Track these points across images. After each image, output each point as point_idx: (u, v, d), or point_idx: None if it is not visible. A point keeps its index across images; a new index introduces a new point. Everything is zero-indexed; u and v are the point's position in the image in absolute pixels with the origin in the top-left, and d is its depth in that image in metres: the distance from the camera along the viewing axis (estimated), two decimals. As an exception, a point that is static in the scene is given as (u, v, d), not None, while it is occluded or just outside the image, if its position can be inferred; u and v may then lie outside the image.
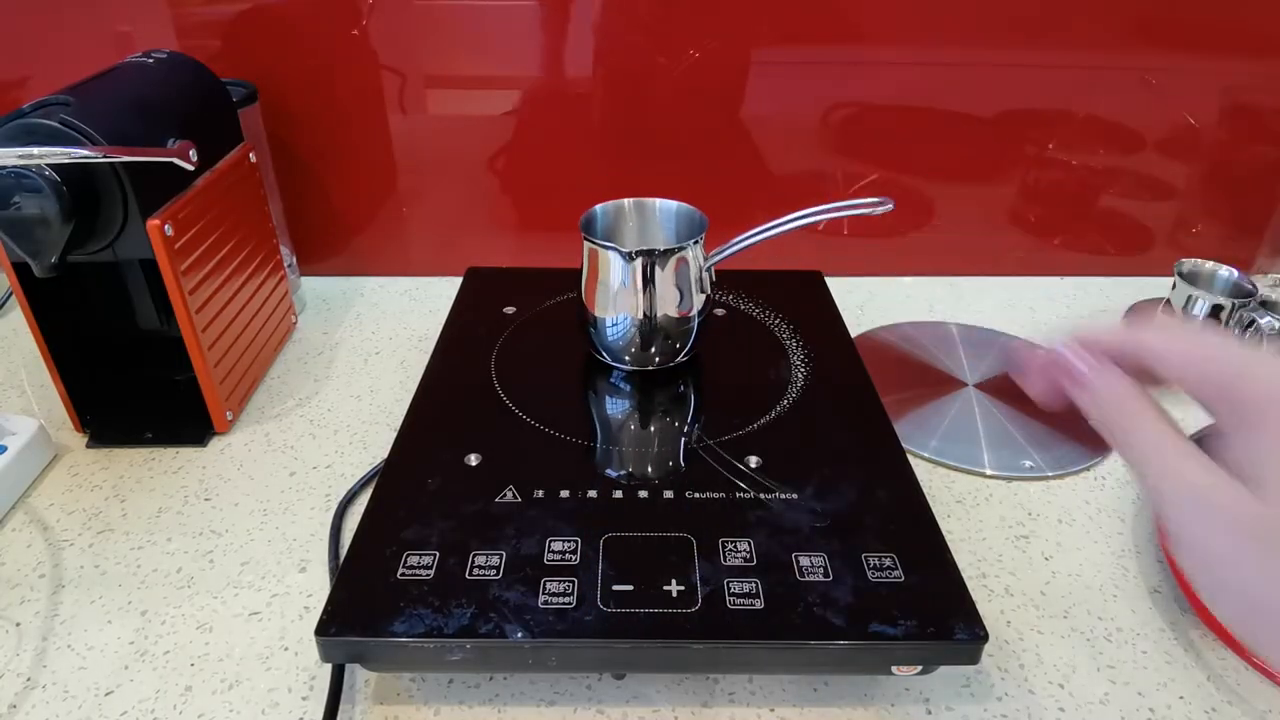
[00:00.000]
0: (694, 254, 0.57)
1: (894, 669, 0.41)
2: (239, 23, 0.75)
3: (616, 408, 0.59)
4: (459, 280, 0.73)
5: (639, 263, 0.56)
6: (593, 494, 0.49)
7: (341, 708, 0.43)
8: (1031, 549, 0.54)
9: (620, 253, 0.56)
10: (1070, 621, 0.49)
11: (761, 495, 0.49)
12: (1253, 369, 0.25)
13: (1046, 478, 0.60)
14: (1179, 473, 0.25)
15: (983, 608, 0.42)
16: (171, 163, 0.54)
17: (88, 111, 0.51)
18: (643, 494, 0.49)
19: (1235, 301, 0.71)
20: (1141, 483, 0.26)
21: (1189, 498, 0.24)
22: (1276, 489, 0.23)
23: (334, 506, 0.56)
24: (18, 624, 0.48)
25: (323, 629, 0.40)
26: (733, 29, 0.76)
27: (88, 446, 0.62)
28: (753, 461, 0.52)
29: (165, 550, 0.53)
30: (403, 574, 0.43)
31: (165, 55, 0.63)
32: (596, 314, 0.59)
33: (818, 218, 0.54)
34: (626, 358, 0.60)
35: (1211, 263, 0.76)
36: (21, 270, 0.55)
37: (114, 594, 0.50)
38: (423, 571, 0.43)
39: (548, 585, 0.42)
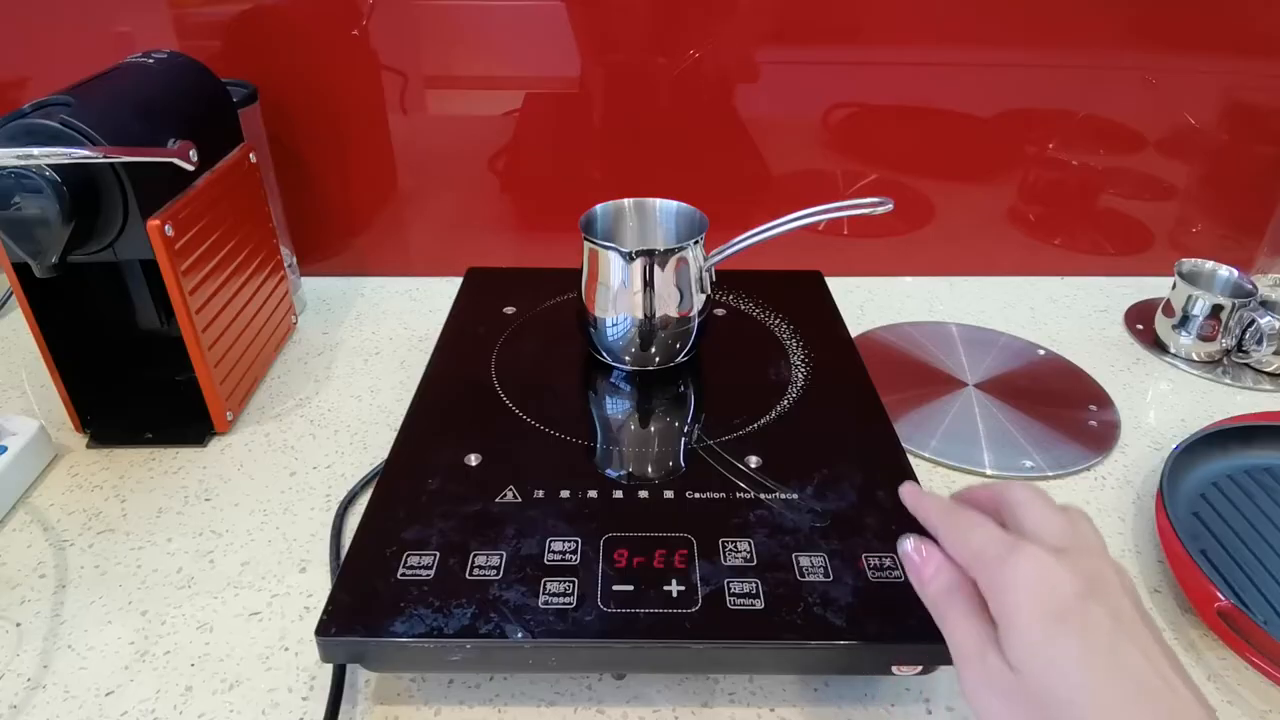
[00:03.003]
0: (694, 254, 0.57)
1: (894, 669, 0.41)
2: (239, 23, 0.75)
3: (616, 408, 0.59)
4: (459, 280, 0.73)
5: (639, 263, 0.56)
6: (593, 494, 0.49)
7: (342, 708, 0.43)
8: (1031, 549, 0.54)
9: (620, 253, 0.56)
10: (1070, 621, 0.49)
11: (761, 495, 0.49)
12: (1005, 576, 0.33)
13: (1046, 478, 0.60)
14: (970, 656, 0.33)
15: (983, 608, 0.42)
16: (171, 163, 0.54)
17: (88, 112, 0.51)
18: (643, 494, 0.49)
19: (1235, 301, 0.72)
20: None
21: (973, 674, 0.33)
22: (1018, 664, 0.32)
23: (334, 506, 0.56)
24: (18, 624, 0.48)
25: (323, 629, 0.40)
26: (733, 29, 0.76)
27: (88, 447, 0.62)
28: (753, 461, 0.52)
29: (165, 550, 0.53)
30: (403, 574, 0.43)
31: (165, 55, 0.63)
32: (596, 314, 0.59)
33: (818, 218, 0.54)
34: (626, 358, 0.60)
35: (1211, 263, 0.76)
36: (22, 270, 0.55)
37: (114, 594, 0.50)
38: (423, 571, 0.43)
39: (548, 585, 0.42)
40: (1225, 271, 0.76)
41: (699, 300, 0.58)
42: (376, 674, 0.45)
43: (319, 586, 0.51)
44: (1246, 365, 0.74)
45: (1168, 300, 0.76)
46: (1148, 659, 0.31)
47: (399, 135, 0.81)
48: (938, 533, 0.38)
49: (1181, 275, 0.75)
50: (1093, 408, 0.68)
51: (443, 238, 0.87)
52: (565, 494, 0.49)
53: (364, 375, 0.71)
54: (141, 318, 0.67)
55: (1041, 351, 0.75)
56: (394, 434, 0.54)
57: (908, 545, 0.38)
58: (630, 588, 0.42)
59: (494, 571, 0.43)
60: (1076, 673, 0.30)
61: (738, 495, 0.49)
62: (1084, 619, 0.31)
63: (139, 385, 0.67)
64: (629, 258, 0.56)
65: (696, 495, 0.49)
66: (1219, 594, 0.46)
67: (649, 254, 0.56)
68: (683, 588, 0.42)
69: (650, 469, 0.51)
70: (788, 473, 0.50)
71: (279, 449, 0.62)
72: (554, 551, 0.45)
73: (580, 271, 0.59)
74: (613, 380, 0.61)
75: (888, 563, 0.44)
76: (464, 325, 0.67)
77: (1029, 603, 0.32)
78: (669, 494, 0.49)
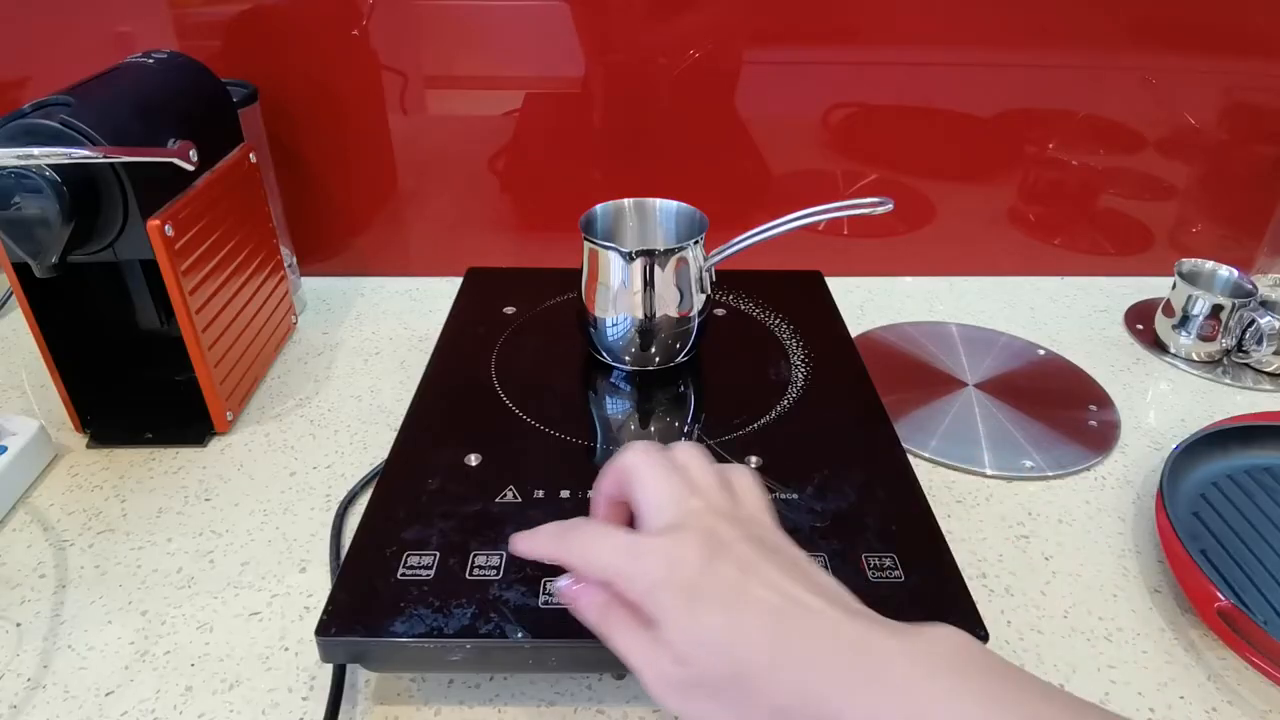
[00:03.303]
0: (694, 254, 0.57)
1: (894, 669, 0.41)
2: (239, 23, 0.75)
3: (616, 408, 0.59)
4: (459, 280, 0.73)
5: (639, 263, 0.56)
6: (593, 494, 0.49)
7: (342, 708, 0.43)
8: (1031, 549, 0.54)
9: (620, 253, 0.56)
10: (1070, 621, 0.49)
11: (761, 495, 0.49)
12: (639, 583, 0.33)
13: (1046, 478, 0.60)
14: (644, 665, 0.33)
15: (983, 608, 0.42)
16: (171, 163, 0.54)
17: (88, 112, 0.51)
18: (643, 494, 0.49)
19: (1235, 301, 0.72)
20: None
21: (653, 680, 0.32)
22: (682, 657, 0.31)
23: (334, 507, 0.56)
24: (18, 624, 0.48)
25: (323, 629, 0.40)
26: (733, 29, 0.76)
27: (88, 447, 0.62)
28: (753, 461, 0.52)
29: (165, 550, 0.53)
30: (403, 574, 0.43)
31: (165, 55, 0.63)
32: (596, 314, 0.59)
33: (818, 218, 0.55)
34: (626, 358, 0.60)
35: (1211, 263, 0.76)
36: (22, 270, 0.55)
37: (114, 594, 0.50)
38: (423, 571, 0.43)
39: (548, 585, 0.42)
40: (1225, 271, 0.76)
41: (699, 300, 0.58)
42: (376, 674, 0.45)
43: (319, 586, 0.51)
44: (1246, 365, 0.74)
45: (1168, 300, 0.76)
46: (779, 592, 0.31)
47: (399, 135, 0.81)
48: (567, 564, 0.36)
49: (1181, 275, 0.75)
50: (1093, 408, 0.68)
51: (443, 238, 0.87)
52: (565, 494, 0.49)
53: (364, 375, 0.72)
54: (141, 318, 0.67)
55: (1041, 351, 0.75)
56: (394, 434, 0.54)
57: (560, 583, 0.37)
58: (630, 588, 0.42)
59: (494, 571, 0.43)
60: (729, 645, 0.30)
61: (738, 495, 0.49)
62: (714, 585, 0.31)
63: (139, 385, 0.67)
64: (629, 258, 0.56)
65: (696, 495, 0.48)
66: (1219, 594, 0.46)
67: (649, 254, 0.56)
68: (683, 588, 0.42)
69: (650, 469, 0.51)
70: (788, 473, 0.50)
71: (279, 449, 0.62)
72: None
73: (580, 271, 0.59)
74: (613, 380, 0.61)
75: (888, 563, 0.44)
76: (464, 325, 0.67)
77: (665, 597, 0.32)
78: (669, 494, 0.49)
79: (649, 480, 0.36)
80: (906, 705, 0.28)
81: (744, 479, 0.38)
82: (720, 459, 0.52)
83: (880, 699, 0.28)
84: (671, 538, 0.33)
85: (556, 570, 0.37)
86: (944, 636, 0.30)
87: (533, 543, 0.38)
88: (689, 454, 0.38)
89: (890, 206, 0.54)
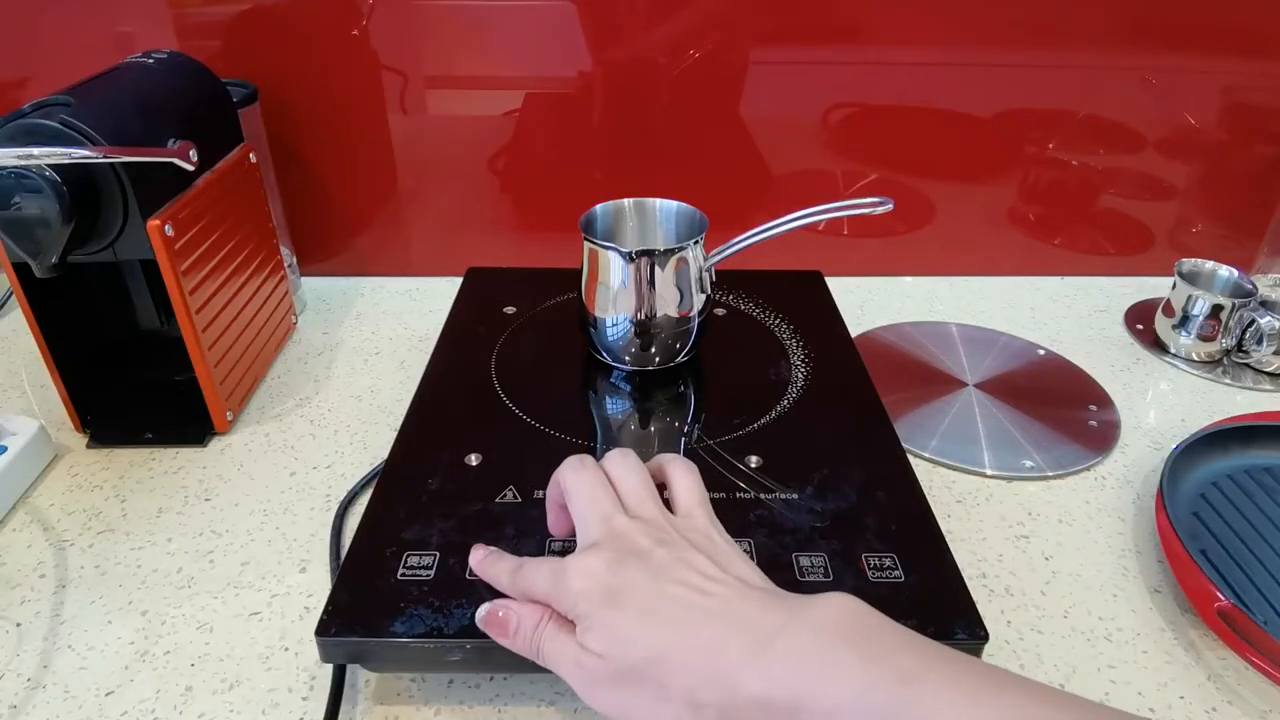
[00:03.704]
0: (694, 254, 0.57)
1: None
2: (239, 23, 0.75)
3: (616, 408, 0.59)
4: (459, 280, 0.73)
5: (639, 263, 0.56)
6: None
7: (342, 708, 0.43)
8: (1031, 549, 0.54)
9: (620, 253, 0.56)
10: (1070, 621, 0.49)
11: (761, 495, 0.49)
12: (565, 599, 0.37)
13: (1046, 478, 0.60)
14: (572, 665, 0.36)
15: (983, 608, 0.42)
16: (171, 163, 0.54)
17: (88, 112, 0.51)
18: (643, 494, 0.49)
19: (1235, 301, 0.72)
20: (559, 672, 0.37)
21: (579, 677, 0.36)
22: (603, 652, 0.35)
23: (334, 507, 0.56)
24: (18, 624, 0.48)
25: (323, 629, 0.40)
26: (733, 29, 0.76)
27: (88, 447, 0.62)
28: (753, 461, 0.52)
29: (165, 550, 0.53)
30: (403, 574, 0.43)
31: (165, 55, 0.63)
32: (596, 314, 0.59)
33: (818, 218, 0.55)
34: (626, 358, 0.60)
35: (1211, 263, 0.76)
36: (22, 270, 0.55)
37: (114, 594, 0.50)
38: (423, 571, 0.43)
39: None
40: (1225, 271, 0.76)
41: (699, 300, 0.58)
42: (376, 674, 0.45)
43: (319, 586, 0.51)
44: (1246, 365, 0.74)
45: (1168, 300, 0.76)
46: (688, 586, 0.35)
47: (399, 135, 0.81)
48: (507, 590, 0.40)
49: (1181, 275, 0.75)
50: (1093, 408, 0.68)
51: (443, 238, 0.87)
52: (565, 494, 0.48)
53: (364, 375, 0.71)
54: (141, 318, 0.67)
55: (1041, 351, 0.75)
56: (394, 434, 0.54)
57: (484, 612, 0.39)
58: (630, 588, 0.42)
59: (494, 571, 0.43)
60: (642, 635, 0.34)
61: (738, 495, 0.49)
62: (629, 589, 0.35)
63: (139, 385, 0.67)
64: (629, 258, 0.56)
65: (696, 495, 0.48)
66: (1219, 594, 0.46)
67: (649, 254, 0.56)
68: (683, 588, 0.42)
69: (650, 469, 0.51)
70: (788, 473, 0.50)
71: (279, 449, 0.62)
72: (554, 552, 0.45)
73: (580, 271, 0.59)
74: (613, 380, 0.61)
75: (888, 563, 0.44)
76: (464, 325, 0.67)
77: (585, 604, 0.36)
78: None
79: (579, 499, 0.40)
80: (790, 667, 0.31)
81: (680, 479, 0.42)
82: (719, 458, 0.52)
83: (768, 664, 0.32)
84: (589, 556, 0.37)
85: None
86: (832, 605, 0.33)
87: (490, 572, 0.41)
88: (621, 466, 0.42)
89: (890, 206, 0.54)
